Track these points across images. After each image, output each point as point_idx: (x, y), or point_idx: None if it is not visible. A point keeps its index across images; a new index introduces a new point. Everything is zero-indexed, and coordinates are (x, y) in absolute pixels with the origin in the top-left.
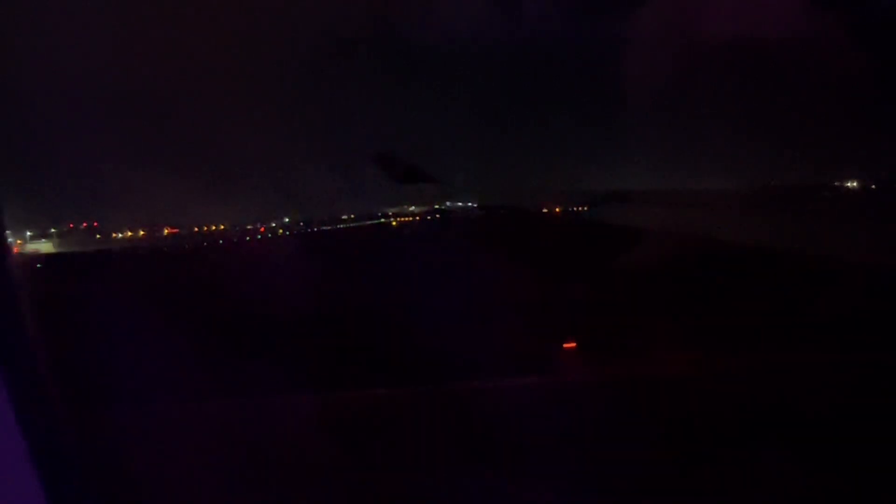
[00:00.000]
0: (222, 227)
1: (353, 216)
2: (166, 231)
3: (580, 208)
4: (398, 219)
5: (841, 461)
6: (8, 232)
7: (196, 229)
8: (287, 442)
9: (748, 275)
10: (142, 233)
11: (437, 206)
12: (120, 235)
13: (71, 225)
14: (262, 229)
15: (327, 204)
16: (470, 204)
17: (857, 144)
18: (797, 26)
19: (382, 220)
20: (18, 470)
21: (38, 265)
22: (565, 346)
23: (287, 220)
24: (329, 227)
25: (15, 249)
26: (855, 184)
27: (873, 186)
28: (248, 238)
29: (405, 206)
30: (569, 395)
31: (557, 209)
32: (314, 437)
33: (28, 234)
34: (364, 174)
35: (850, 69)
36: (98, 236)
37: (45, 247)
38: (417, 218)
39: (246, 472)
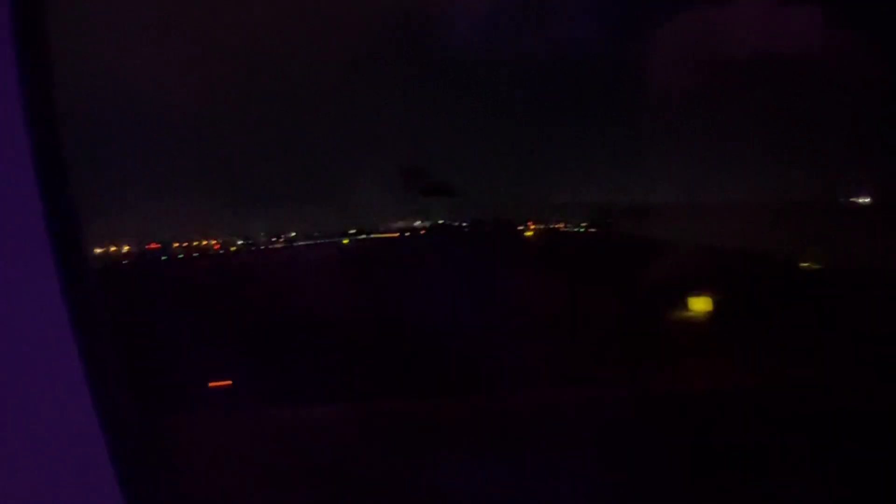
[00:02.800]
0: (214, 242)
1: (353, 231)
2: (151, 246)
3: (585, 223)
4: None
5: (865, 477)
6: (86, 238)
7: (177, 244)
8: (328, 450)
9: (772, 287)
10: (126, 248)
11: (440, 222)
12: (99, 250)
13: None
14: (217, 245)
15: (328, 217)
16: (474, 218)
17: (881, 156)
18: (819, 40)
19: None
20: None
21: None
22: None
23: (293, 234)
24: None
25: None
26: (871, 197)
27: None
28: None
29: (411, 221)
30: (591, 406)
31: (561, 225)
32: (358, 447)
33: None
34: (367, 187)
35: (874, 83)
36: None
37: None
38: (402, 234)
39: (302, 483)
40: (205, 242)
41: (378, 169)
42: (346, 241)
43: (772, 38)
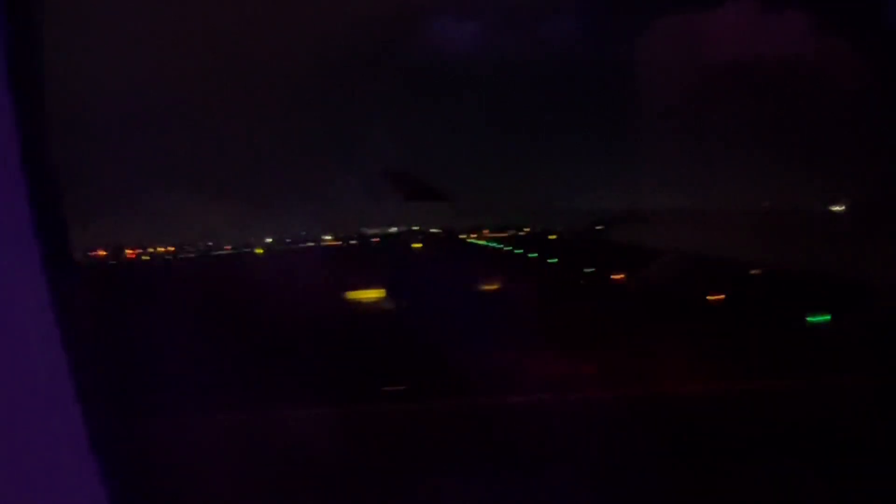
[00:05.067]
0: (171, 248)
1: (330, 237)
2: (98, 253)
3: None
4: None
5: (858, 481)
6: (70, 242)
7: (131, 251)
8: (310, 452)
9: (763, 294)
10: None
11: (414, 228)
12: None
13: None
14: (131, 253)
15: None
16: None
17: (871, 163)
18: (811, 47)
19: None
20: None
21: None
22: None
23: (270, 240)
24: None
25: None
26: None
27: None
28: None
29: (385, 228)
30: (582, 412)
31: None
32: (338, 449)
33: None
34: (349, 192)
35: (864, 91)
36: None
37: None
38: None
39: (282, 485)
40: (161, 249)
41: (361, 175)
42: (259, 251)
43: (768, 45)
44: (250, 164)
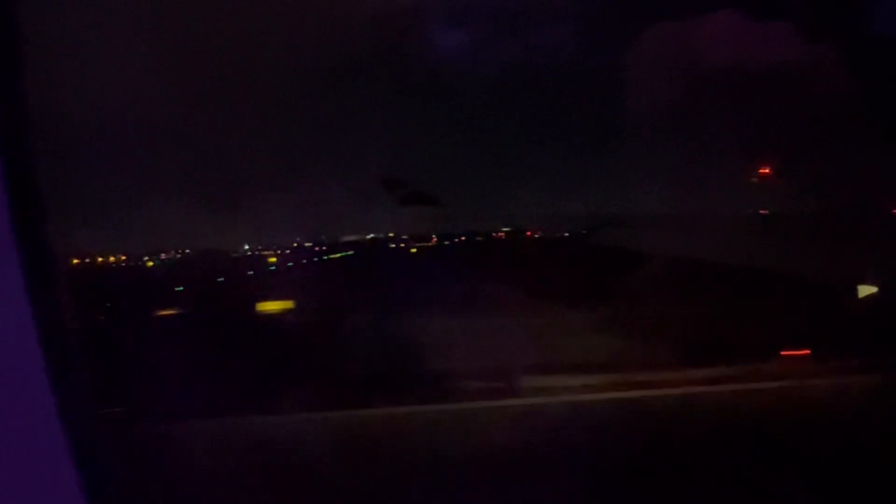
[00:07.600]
0: (123, 257)
1: (297, 244)
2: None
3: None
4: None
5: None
6: (52, 237)
7: (77, 260)
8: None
9: (748, 296)
10: None
11: (370, 236)
12: None
13: None
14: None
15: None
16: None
17: (856, 169)
18: (799, 54)
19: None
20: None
21: None
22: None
23: (247, 246)
24: None
25: None
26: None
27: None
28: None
29: (364, 234)
30: (571, 416)
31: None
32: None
33: None
34: (332, 198)
35: (850, 96)
36: None
37: None
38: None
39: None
40: (115, 259)
41: (349, 180)
42: (150, 264)
43: (755, 51)
44: (234, 169)
